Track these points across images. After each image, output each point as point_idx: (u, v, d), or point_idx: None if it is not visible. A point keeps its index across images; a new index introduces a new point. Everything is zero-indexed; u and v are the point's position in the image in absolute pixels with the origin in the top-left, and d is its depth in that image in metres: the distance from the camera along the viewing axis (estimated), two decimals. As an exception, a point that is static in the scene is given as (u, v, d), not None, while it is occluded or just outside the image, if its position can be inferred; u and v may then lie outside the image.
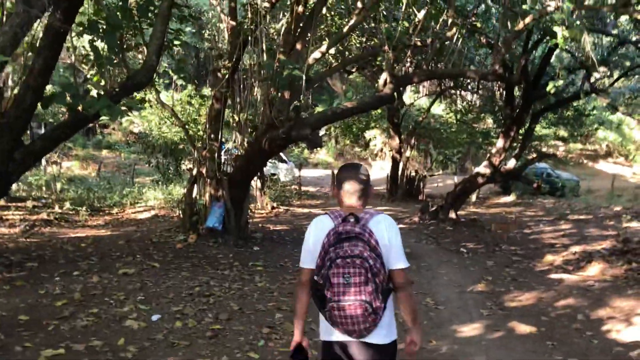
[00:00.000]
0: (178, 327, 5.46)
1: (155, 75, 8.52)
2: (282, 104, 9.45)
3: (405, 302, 2.77)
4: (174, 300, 6.36)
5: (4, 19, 6.52)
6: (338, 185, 2.81)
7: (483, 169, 14.51)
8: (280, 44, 9.89)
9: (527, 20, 9.87)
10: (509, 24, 11.26)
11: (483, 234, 13.45)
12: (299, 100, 9.44)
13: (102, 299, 6.12)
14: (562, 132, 29.44)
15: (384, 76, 10.31)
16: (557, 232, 13.92)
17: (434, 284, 8.09)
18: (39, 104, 6.88)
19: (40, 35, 7.02)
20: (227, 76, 10.40)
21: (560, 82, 11.46)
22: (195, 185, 10.80)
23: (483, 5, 12.40)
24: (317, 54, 10.14)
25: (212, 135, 10.73)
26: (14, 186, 13.34)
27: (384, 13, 11.26)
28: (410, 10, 10.65)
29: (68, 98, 6.35)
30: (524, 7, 10.85)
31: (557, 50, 13.80)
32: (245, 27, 9.90)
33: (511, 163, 14.73)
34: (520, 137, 15.65)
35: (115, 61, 7.95)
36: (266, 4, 9.99)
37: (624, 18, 12.74)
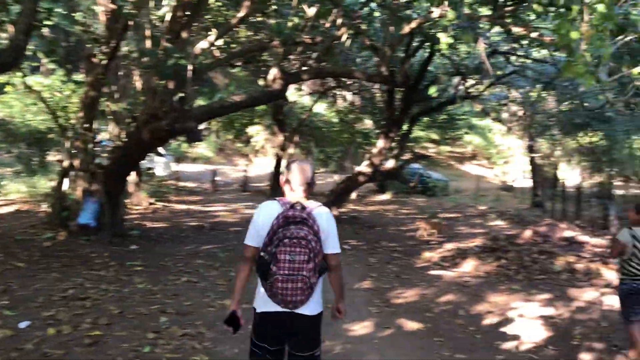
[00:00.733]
0: (51, 335, 4.93)
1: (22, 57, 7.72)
2: (165, 94, 8.97)
3: (336, 280, 3.32)
4: (44, 304, 5.76)
5: None
6: (287, 178, 3.20)
7: (364, 168, 14.85)
8: (164, 31, 9.38)
9: (413, 24, 10.17)
10: (393, 28, 11.55)
11: (364, 230, 13.77)
12: (184, 91, 9.03)
13: (-43, 305, 5.40)
14: (434, 135, 31.13)
15: (274, 72, 10.15)
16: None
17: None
18: None
19: None
20: (103, 62, 9.69)
21: (442, 86, 11.97)
22: (66, 179, 9.98)
23: (367, 8, 12.64)
24: (204, 44, 9.76)
25: (86, 125, 9.95)
26: None
27: (275, 7, 11.08)
28: (300, 7, 10.58)
29: None
30: (408, 12, 11.23)
31: (436, 56, 14.44)
32: (126, 11, 9.26)
33: (390, 163, 15.20)
34: (399, 139, 16.20)
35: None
36: (151, -12, 9.43)
37: (495, 30, 13.61)
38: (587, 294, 7.81)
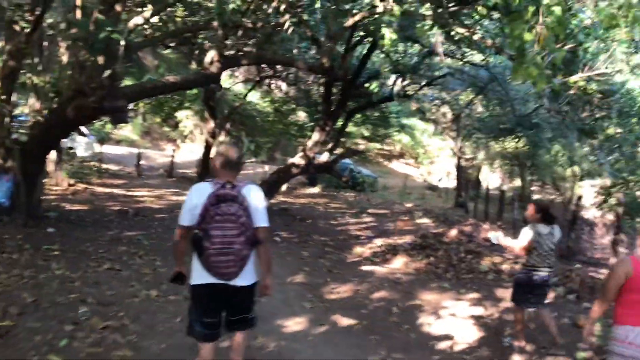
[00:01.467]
0: (-47, 326, 4.43)
1: None
2: (94, 69, 8.38)
3: (264, 253, 3.58)
4: (-54, 290, 5.20)
5: None
6: (220, 160, 3.48)
7: (298, 160, 14.64)
8: (97, 2, 8.76)
9: (357, 17, 10.05)
10: (335, 20, 11.39)
11: (295, 223, 13.60)
12: (114, 67, 8.48)
13: None
14: (365, 132, 31.40)
15: (212, 54, 9.75)
16: (361, 225, 14.66)
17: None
18: None
19: None
20: (26, 31, 8.97)
21: (380, 83, 11.93)
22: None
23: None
24: (138, 20, 9.22)
25: (3, 97, 9.18)
26: None
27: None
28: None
29: None
30: (351, 5, 11.10)
31: (374, 53, 14.42)
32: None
33: (324, 157, 15.09)
34: (334, 133, 16.12)
35: None
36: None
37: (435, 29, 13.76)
38: (513, 295, 7.98)
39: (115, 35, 7.60)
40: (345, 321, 5.95)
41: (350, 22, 10.25)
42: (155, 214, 12.27)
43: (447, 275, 9.18)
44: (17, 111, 11.53)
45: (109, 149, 24.12)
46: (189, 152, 27.45)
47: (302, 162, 14.55)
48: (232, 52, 13.23)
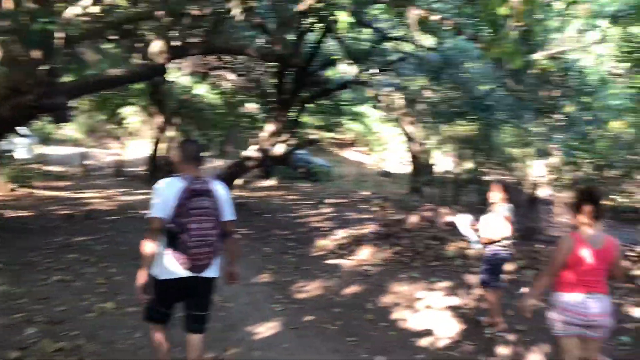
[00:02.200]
0: None
1: None
2: (31, 65, 7.71)
3: (232, 245, 3.87)
4: None
5: None
6: (184, 156, 3.61)
7: (253, 153, 14.18)
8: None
9: (309, 2, 9.65)
10: (286, 6, 10.97)
11: (253, 218, 13.15)
12: (52, 62, 7.84)
13: None
14: (317, 121, 31.04)
15: (158, 44, 9.19)
16: (321, 216, 14.33)
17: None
18: None
19: None
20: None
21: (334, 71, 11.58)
22: None
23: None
24: (77, 9, 8.55)
25: None
26: None
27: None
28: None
29: None
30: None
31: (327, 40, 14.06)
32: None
33: (280, 148, 14.66)
34: (288, 123, 15.70)
35: None
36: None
37: (384, 16, 13.52)
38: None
39: (51, 26, 6.98)
40: (320, 322, 5.62)
41: (301, 7, 9.85)
42: (106, 216, 11.59)
43: (414, 264, 8.97)
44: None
45: (52, 150, 22.95)
46: (136, 150, 26.48)
47: (257, 155, 14.11)
48: (178, 42, 12.64)
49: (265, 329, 5.33)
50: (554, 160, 18.37)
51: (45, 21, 7.00)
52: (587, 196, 3.93)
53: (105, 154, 25.97)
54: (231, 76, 21.44)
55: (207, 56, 16.81)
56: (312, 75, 13.87)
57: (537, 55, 6.80)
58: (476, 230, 5.97)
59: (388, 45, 14.77)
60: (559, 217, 15.08)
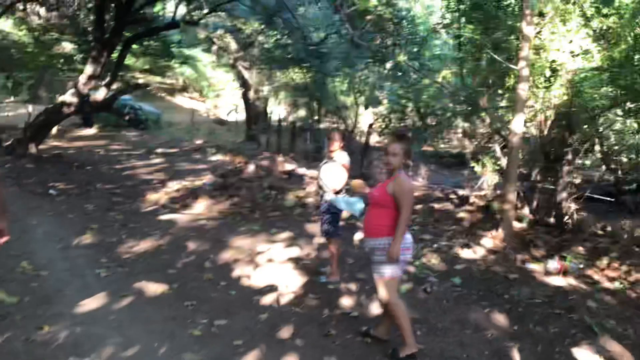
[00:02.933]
0: None
1: None
2: None
3: None
4: None
5: None
6: None
7: (70, 97, 12.66)
8: None
9: None
10: None
11: (72, 171, 11.81)
12: None
13: None
14: (144, 64, 29.00)
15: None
16: (151, 167, 13.37)
17: (27, 240, 6.35)
18: None
19: None
20: None
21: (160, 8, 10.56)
22: None
23: None
24: None
25: None
26: None
27: None
28: None
29: None
30: None
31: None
32: None
33: (101, 93, 13.29)
34: (110, 65, 14.25)
35: None
36: None
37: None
38: (324, 230, 7.75)
39: None
40: (152, 287, 5.02)
41: None
42: None
43: (254, 215, 8.65)
44: None
45: None
46: None
47: (74, 100, 12.63)
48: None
49: (90, 300, 4.62)
50: (383, 108, 19.09)
51: None
52: (399, 138, 4.04)
53: None
54: (41, 10, 18.91)
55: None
56: (136, 11, 12.60)
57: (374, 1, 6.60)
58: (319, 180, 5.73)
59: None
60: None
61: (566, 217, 7.46)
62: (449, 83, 11.09)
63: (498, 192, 10.61)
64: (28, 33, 18.83)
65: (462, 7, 8.53)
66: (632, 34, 6.13)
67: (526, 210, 8.29)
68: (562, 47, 6.44)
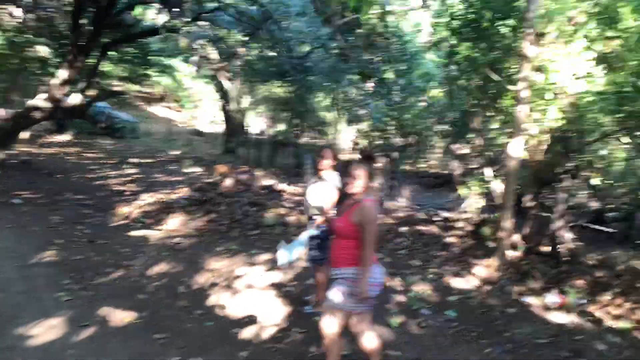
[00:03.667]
0: None
1: None
2: None
3: None
4: None
5: None
6: None
7: (42, 102, 12.02)
8: None
9: None
10: None
11: (40, 179, 11.19)
12: None
13: None
14: (121, 71, 28.33)
15: None
16: (124, 178, 12.80)
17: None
18: None
19: None
20: None
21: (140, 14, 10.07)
22: None
23: None
24: None
25: None
26: None
27: None
28: None
29: None
30: None
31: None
32: None
33: (76, 98, 12.67)
34: (86, 71, 13.67)
35: None
36: None
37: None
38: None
39: None
40: (119, 316, 4.51)
41: None
42: None
43: (232, 233, 8.17)
44: None
45: None
46: None
47: (46, 105, 12.00)
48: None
49: (45, 329, 4.10)
50: (365, 125, 18.77)
51: None
52: (364, 160, 3.67)
53: None
54: (17, 12, 18.25)
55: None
56: (115, 16, 12.08)
57: (370, 13, 6.24)
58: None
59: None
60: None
61: (561, 247, 7.13)
62: (437, 103, 10.81)
63: (484, 216, 10.31)
64: (1, 34, 18.09)
65: (454, 23, 8.24)
66: (637, 57, 5.87)
67: (516, 237, 7.96)
68: (564, 69, 6.14)
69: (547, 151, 7.66)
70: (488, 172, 8.52)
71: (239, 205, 9.72)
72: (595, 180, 8.26)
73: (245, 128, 25.31)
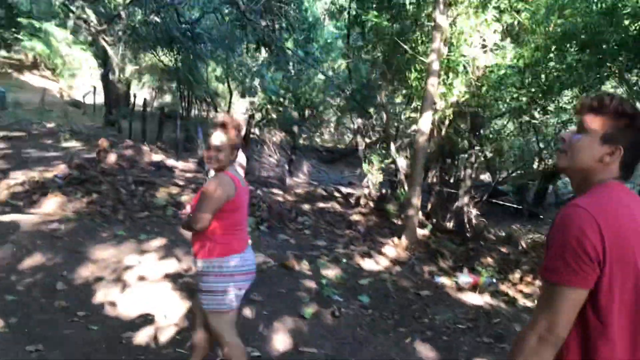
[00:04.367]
0: None
1: None
2: None
3: None
4: None
5: None
6: None
7: None
8: None
9: None
10: None
11: None
12: None
13: None
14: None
15: None
16: (-10, 154, 11.33)
17: None
18: None
19: None
20: None
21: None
22: None
23: None
24: None
25: None
26: None
27: None
28: None
29: None
30: None
31: None
32: None
33: None
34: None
35: None
36: None
37: None
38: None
39: None
40: (-20, 324, 3.71)
41: None
42: None
43: (118, 216, 7.34)
44: None
45: None
46: None
47: None
48: None
49: None
50: (260, 97, 18.11)
51: None
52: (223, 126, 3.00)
53: None
54: None
55: None
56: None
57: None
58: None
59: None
60: (269, 157, 14.83)
61: (466, 223, 7.09)
62: (337, 76, 10.46)
63: (383, 191, 10.20)
64: None
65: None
66: (544, 31, 5.80)
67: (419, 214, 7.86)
68: (474, 41, 5.97)
69: (449, 126, 7.56)
70: (392, 147, 8.32)
71: (124, 184, 8.84)
72: (489, 155, 8.33)
73: (128, 99, 23.70)
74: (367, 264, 6.11)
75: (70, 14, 15.72)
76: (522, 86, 5.99)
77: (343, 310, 4.69)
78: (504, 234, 7.32)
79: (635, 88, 6.42)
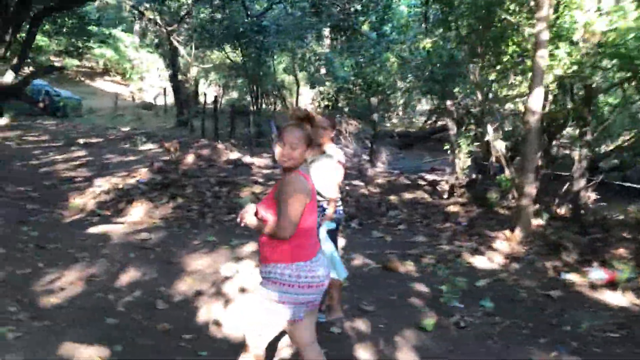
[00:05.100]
0: None
1: None
2: None
3: None
4: None
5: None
6: None
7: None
8: None
9: None
10: None
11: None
12: None
13: None
14: (58, 45, 26.30)
15: None
16: (72, 162, 11.45)
17: None
18: None
19: None
20: None
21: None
22: None
23: None
24: None
25: None
26: None
27: None
28: None
29: None
30: None
31: None
32: None
33: (9, 77, 11.19)
34: (17, 45, 12.11)
35: None
36: None
37: None
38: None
39: None
40: (85, 354, 3.44)
41: None
42: None
43: (205, 221, 7.13)
44: None
45: None
46: None
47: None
48: None
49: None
50: (328, 86, 17.68)
51: None
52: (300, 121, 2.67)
53: None
54: None
55: None
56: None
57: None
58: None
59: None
60: (346, 147, 14.41)
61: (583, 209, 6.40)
62: (415, 55, 9.85)
63: (473, 177, 9.57)
64: None
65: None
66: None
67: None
68: (588, 4, 5.28)
69: (553, 101, 6.87)
70: (489, 128, 7.66)
71: (207, 185, 8.65)
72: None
73: (197, 98, 23.86)
74: (479, 262, 5.56)
75: (141, 17, 15.76)
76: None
77: (467, 319, 4.19)
78: (622, 217, 6.57)
79: None
